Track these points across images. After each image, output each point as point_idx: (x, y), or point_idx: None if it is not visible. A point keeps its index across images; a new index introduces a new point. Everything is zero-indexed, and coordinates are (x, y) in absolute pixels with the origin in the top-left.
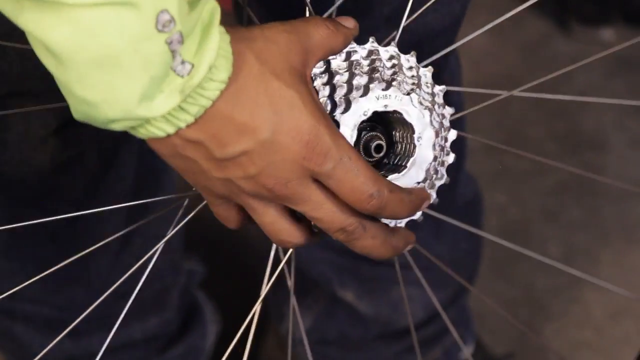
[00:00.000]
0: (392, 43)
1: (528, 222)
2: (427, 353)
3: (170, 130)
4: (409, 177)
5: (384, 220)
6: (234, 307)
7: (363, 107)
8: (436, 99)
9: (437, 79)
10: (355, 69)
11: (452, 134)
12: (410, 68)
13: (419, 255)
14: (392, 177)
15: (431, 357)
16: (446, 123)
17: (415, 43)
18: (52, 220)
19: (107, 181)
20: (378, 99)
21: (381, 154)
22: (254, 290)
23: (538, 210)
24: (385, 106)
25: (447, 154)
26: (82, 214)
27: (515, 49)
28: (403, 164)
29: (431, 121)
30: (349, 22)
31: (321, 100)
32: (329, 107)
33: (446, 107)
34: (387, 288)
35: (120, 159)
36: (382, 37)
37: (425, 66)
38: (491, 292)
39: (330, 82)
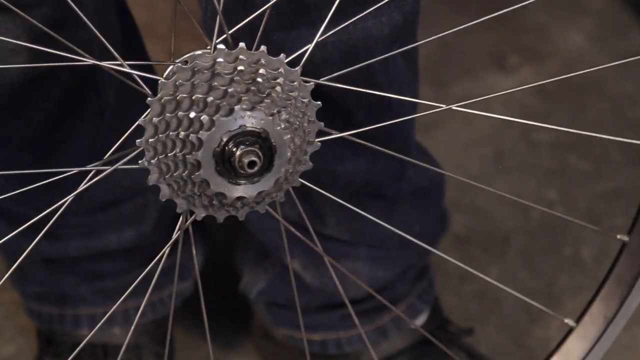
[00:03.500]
0: (282, 55)
1: (569, 221)
2: (374, 320)
3: None
4: (258, 186)
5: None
6: (221, 232)
7: (225, 127)
8: (307, 115)
9: (369, 81)
10: (238, 75)
11: (314, 147)
12: (292, 82)
13: (367, 233)
14: (245, 186)
15: (378, 324)
16: (310, 138)
17: (352, 46)
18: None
19: (82, 96)
20: (243, 117)
21: (254, 170)
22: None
23: (583, 212)
24: (249, 125)
25: (304, 164)
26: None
27: (612, 57)
28: (258, 178)
29: (292, 139)
30: None
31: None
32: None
33: (316, 121)
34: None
35: (97, 76)
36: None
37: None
38: (511, 279)
39: (210, 82)
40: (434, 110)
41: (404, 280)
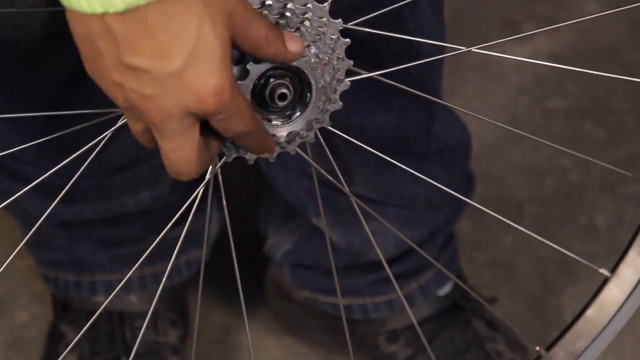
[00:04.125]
0: None
1: (584, 189)
2: (401, 287)
3: (99, 9)
4: (291, 126)
5: None
6: (238, 197)
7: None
8: (337, 52)
9: (398, 28)
10: (266, 9)
11: (344, 85)
12: (321, 17)
13: (394, 192)
14: (279, 123)
15: (405, 291)
16: (340, 75)
17: None
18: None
19: None
20: None
21: (285, 102)
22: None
23: (597, 179)
24: None
25: (334, 102)
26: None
27: (628, 25)
28: (292, 114)
29: (322, 74)
30: (293, 45)
31: None
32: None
33: (345, 59)
34: (360, 221)
35: None
36: None
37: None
38: (524, 247)
39: None
40: (455, 53)
41: (433, 244)
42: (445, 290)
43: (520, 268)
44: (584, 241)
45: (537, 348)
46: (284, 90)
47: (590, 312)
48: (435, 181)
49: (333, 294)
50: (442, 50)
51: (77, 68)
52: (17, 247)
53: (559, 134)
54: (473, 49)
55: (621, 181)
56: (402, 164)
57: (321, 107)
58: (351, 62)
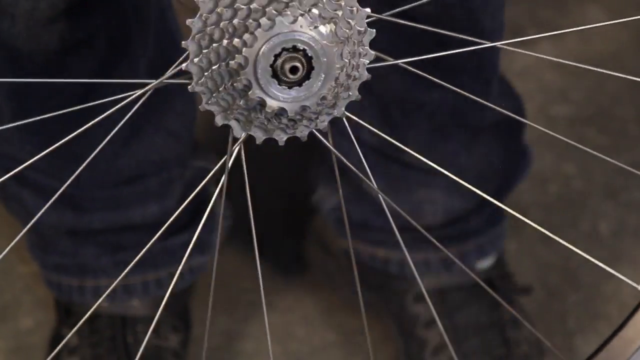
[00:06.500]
0: None
1: (587, 195)
2: (440, 251)
3: None
4: (302, 101)
5: None
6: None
7: (268, 36)
8: (360, 36)
9: (464, 4)
10: None
11: (369, 56)
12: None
13: (446, 163)
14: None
15: (444, 255)
16: (362, 49)
17: None
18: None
19: (118, 68)
20: (292, 23)
21: (297, 76)
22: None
23: (601, 185)
24: (295, 36)
25: (357, 78)
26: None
27: (632, 32)
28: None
29: (341, 55)
30: None
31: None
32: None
33: (368, 30)
34: (412, 189)
35: (132, 49)
36: None
37: None
38: (529, 253)
39: None
40: (479, 47)
41: (481, 214)
42: (484, 264)
43: (524, 274)
44: (587, 248)
45: None
46: (296, 64)
47: (625, 331)
48: (489, 153)
49: (374, 244)
50: (501, 25)
51: (92, 84)
52: (19, 252)
53: (563, 141)
54: (497, 44)
55: (624, 188)
56: (456, 136)
57: (343, 82)
58: (374, 31)
